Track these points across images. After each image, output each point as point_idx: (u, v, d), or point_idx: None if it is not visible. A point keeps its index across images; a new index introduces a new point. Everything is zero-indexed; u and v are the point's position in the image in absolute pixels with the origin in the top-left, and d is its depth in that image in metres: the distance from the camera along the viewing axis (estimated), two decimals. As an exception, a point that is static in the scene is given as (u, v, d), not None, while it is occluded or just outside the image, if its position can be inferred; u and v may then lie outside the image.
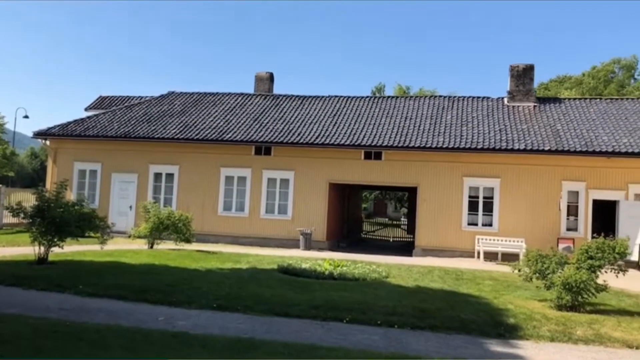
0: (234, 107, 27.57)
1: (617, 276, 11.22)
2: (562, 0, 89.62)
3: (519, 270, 12.29)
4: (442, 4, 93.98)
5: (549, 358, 8.24)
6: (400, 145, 22.93)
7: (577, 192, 21.81)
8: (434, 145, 22.63)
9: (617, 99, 27.26)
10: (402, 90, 53.94)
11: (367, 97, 28.19)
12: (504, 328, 9.57)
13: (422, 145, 22.72)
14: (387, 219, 58.62)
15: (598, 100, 26.18)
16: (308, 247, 22.87)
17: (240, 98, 28.67)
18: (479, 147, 22.17)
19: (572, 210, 21.88)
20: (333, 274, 14.00)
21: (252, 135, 24.62)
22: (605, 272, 11.14)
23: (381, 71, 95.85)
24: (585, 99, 26.83)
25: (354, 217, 30.82)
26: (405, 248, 26.55)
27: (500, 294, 12.78)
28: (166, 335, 8.34)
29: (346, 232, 28.48)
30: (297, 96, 28.39)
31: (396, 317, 10.11)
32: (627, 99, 26.98)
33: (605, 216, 22.09)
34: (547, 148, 21.59)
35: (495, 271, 17.22)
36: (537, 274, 11.64)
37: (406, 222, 36.02)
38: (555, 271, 11.46)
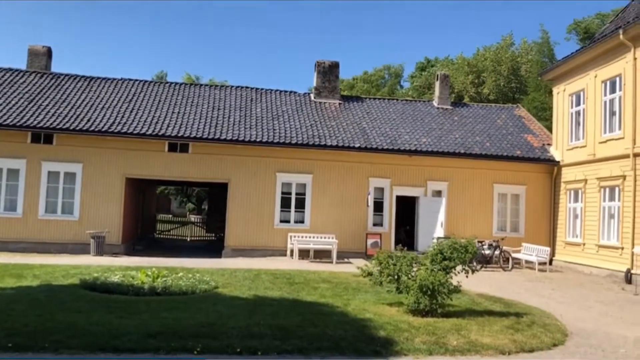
0: (1, 85, 22.64)
1: (467, 276, 11.11)
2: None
3: (368, 274, 11.53)
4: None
5: (443, 377, 7.44)
6: (209, 137, 21.04)
7: (382, 189, 22.38)
8: (246, 139, 21.23)
9: (411, 100, 28.97)
10: (191, 80, 51.30)
11: (169, 82, 25.61)
12: (378, 344, 8.58)
13: (233, 138, 21.16)
14: (171, 216, 55.35)
15: (395, 100, 27.46)
16: (100, 252, 19.71)
17: (8, 74, 23.68)
18: (292, 142, 21.39)
19: (379, 206, 22.38)
20: (155, 288, 11.70)
21: (28, 119, 20.41)
22: (457, 273, 10.95)
23: (163, 59, 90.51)
24: (384, 99, 28.04)
25: (147, 215, 27.86)
26: (209, 248, 24.73)
27: (346, 299, 11.95)
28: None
29: (140, 233, 25.50)
30: (84, 76, 24.48)
31: (256, 340, 8.47)
32: (420, 101, 28.84)
33: (407, 211, 23.11)
34: (357, 145, 21.72)
35: (320, 271, 16.56)
36: (390, 277, 10.99)
37: (204, 220, 33.97)
38: (407, 273, 10.95)
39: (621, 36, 17.88)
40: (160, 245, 26.07)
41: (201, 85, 26.91)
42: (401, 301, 11.22)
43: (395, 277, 10.99)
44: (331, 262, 19.89)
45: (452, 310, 10.95)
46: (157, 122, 21.49)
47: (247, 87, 25.66)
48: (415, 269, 11.13)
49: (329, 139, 21.83)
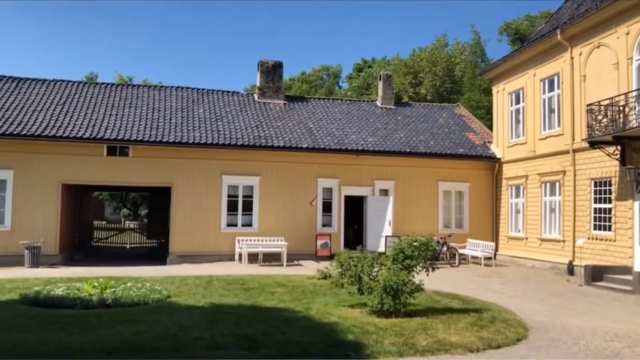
0: None
1: (427, 274, 11.08)
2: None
3: (325, 277, 11.33)
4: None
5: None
6: (151, 140, 20.25)
7: (331, 189, 22.25)
8: (189, 141, 20.57)
9: (355, 100, 29.02)
10: (123, 81, 49.44)
11: (104, 83, 24.41)
12: (348, 348, 8.37)
13: (176, 141, 20.46)
14: (104, 222, 53.05)
15: (340, 100, 27.42)
16: (36, 263, 18.57)
17: None
18: (238, 143, 20.90)
19: (327, 207, 22.23)
20: (105, 300, 11.03)
21: (-49, 123, 18.96)
22: (418, 272, 10.91)
23: (91, 60, 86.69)
24: (329, 99, 27.96)
25: (85, 223, 26.54)
26: (151, 255, 23.83)
27: (306, 303, 11.67)
28: None
29: (77, 242, 24.24)
30: (11, 77, 23.01)
31: (221, 351, 8.08)
32: (364, 100, 28.94)
33: (355, 211, 23.07)
34: (305, 146, 21.49)
35: (274, 275, 16.22)
36: (352, 279, 10.82)
37: (144, 226, 32.75)
38: (369, 274, 10.82)
39: (559, 36, 18.52)
40: (99, 253, 24.90)
41: (139, 86, 25.86)
42: (362, 302, 11.10)
43: (357, 278, 10.84)
44: (282, 265, 19.56)
45: (414, 309, 10.89)
46: (94, 125, 20.48)
47: (187, 88, 24.91)
48: (376, 269, 11.03)
49: (276, 140, 21.49)
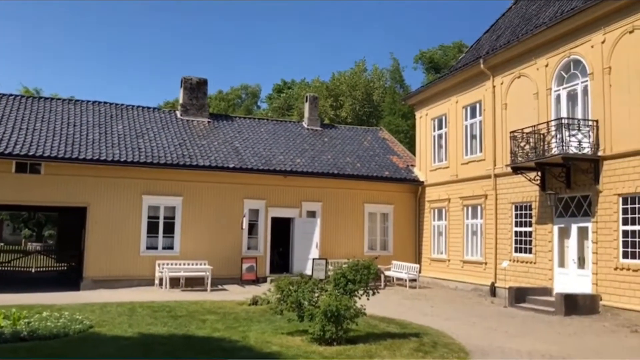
0: None
1: (368, 298, 10.89)
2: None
3: (257, 303, 10.90)
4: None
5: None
6: (66, 156, 18.93)
7: (257, 210, 21.77)
8: (108, 159, 19.43)
9: (281, 120, 28.80)
10: (30, 93, 46.45)
11: (12, 95, 22.66)
12: (295, 379, 7.99)
13: (94, 158, 19.26)
14: (2, 244, 49.03)
15: (266, 120, 27.07)
16: None
17: None
18: (161, 162, 20.02)
19: (253, 229, 21.71)
20: (19, 333, 9.93)
21: None
22: (360, 297, 10.70)
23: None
24: (255, 118, 27.52)
25: (-16, 245, 24.29)
26: (62, 280, 22.14)
27: (241, 331, 11.12)
28: None
29: (-24, 266, 22.12)
30: None
31: (159, 388, 7.44)
32: (290, 121, 28.77)
33: (281, 233, 22.67)
34: (231, 165, 20.94)
35: (201, 301, 15.47)
36: (292, 305, 10.44)
37: (51, 248, 30.51)
38: (310, 300, 10.48)
39: (482, 65, 19.30)
40: (1, 278, 22.79)
41: (51, 99, 24.21)
42: (301, 329, 10.76)
43: (298, 304, 10.47)
44: (205, 290, 18.75)
45: (355, 335, 10.64)
46: (1, 139, 18.88)
47: (105, 103, 23.63)
48: (317, 295, 10.72)
49: (201, 159, 20.79)
